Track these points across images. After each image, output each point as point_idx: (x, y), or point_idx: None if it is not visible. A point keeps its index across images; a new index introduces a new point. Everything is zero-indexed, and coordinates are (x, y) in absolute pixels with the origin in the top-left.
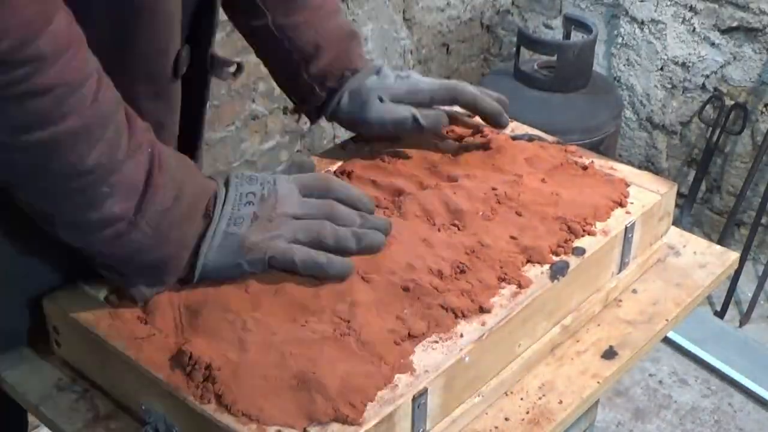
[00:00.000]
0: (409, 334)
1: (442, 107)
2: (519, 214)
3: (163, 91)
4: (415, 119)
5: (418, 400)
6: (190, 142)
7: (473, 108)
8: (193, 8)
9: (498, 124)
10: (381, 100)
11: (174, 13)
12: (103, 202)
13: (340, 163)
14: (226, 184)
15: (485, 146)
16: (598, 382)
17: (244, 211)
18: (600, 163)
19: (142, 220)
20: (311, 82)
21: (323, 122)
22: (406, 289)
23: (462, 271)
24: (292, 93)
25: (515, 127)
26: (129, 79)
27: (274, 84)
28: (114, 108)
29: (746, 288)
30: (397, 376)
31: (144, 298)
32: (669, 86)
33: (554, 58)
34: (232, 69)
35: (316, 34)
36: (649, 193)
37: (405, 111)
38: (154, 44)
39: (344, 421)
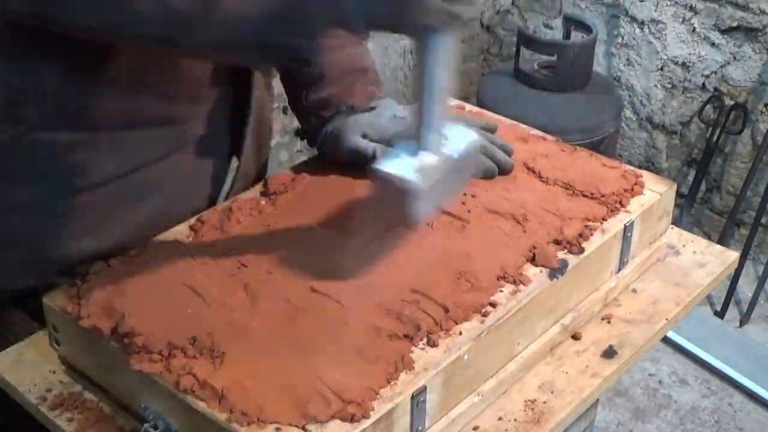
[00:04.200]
0: (408, 332)
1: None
2: (517, 218)
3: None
4: (374, 154)
5: (417, 397)
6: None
7: None
8: None
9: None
10: (365, 136)
11: None
12: None
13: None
14: None
15: None
16: (598, 382)
17: None
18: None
19: None
20: (309, 110)
21: None
22: (406, 287)
23: (462, 270)
24: (295, 114)
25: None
26: None
27: (274, 84)
28: None
29: (746, 288)
30: (396, 373)
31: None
32: (669, 86)
33: (554, 58)
34: None
35: (325, 63)
36: (648, 192)
37: (369, 146)
38: None
39: (350, 419)
